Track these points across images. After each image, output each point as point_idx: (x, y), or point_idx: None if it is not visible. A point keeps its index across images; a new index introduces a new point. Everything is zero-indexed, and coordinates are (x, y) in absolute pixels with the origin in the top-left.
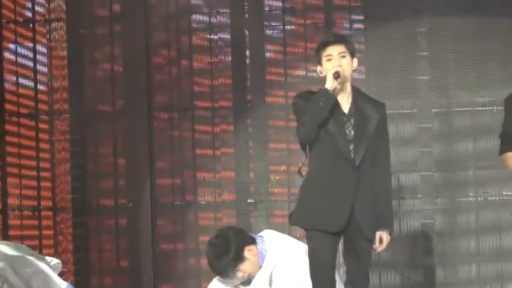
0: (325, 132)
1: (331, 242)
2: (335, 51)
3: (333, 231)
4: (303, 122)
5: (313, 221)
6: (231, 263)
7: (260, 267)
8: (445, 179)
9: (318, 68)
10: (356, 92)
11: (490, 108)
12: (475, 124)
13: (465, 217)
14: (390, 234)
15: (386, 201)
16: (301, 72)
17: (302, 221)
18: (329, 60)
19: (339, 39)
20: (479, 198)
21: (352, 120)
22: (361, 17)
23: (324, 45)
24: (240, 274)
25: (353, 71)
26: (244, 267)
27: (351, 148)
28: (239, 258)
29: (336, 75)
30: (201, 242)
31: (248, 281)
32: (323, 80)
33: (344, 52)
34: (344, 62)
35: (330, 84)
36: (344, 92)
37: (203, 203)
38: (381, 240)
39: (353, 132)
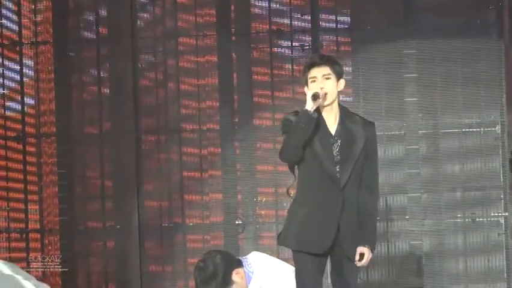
0: (312, 153)
1: (317, 264)
2: (319, 73)
3: (318, 253)
4: (285, 143)
5: (299, 242)
6: (219, 287)
7: None
8: (433, 200)
9: (305, 88)
10: (344, 113)
11: (478, 129)
12: (462, 146)
13: (453, 238)
14: (372, 252)
15: (371, 221)
16: (288, 95)
17: (289, 242)
18: (313, 81)
19: (324, 61)
20: (466, 220)
21: (339, 142)
22: (348, 40)
23: (309, 66)
24: None
25: (340, 92)
26: None
27: (337, 169)
28: (227, 282)
29: (314, 98)
30: (189, 264)
31: None
32: None
33: (328, 74)
34: (328, 83)
35: (309, 105)
36: (331, 113)
37: (191, 225)
38: (361, 256)
39: (339, 154)
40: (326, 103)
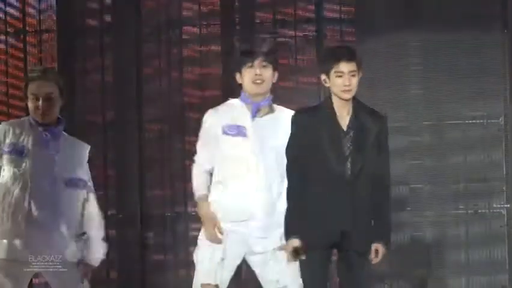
0: (318, 148)
1: (322, 257)
2: (346, 68)
3: (324, 246)
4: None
5: (303, 236)
6: None
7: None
8: (435, 191)
9: (323, 76)
10: (357, 104)
11: (481, 121)
12: (465, 137)
13: (455, 230)
14: (386, 246)
15: (384, 215)
16: (292, 84)
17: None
18: (339, 77)
19: (352, 57)
20: (469, 211)
21: (351, 133)
22: (352, 30)
23: (337, 60)
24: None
25: None
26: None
27: (348, 162)
28: None
29: (295, 254)
30: (191, 253)
31: None
32: (325, 89)
33: (354, 71)
34: (354, 80)
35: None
36: (345, 106)
37: (193, 214)
38: (376, 252)
39: (351, 146)
40: (346, 98)
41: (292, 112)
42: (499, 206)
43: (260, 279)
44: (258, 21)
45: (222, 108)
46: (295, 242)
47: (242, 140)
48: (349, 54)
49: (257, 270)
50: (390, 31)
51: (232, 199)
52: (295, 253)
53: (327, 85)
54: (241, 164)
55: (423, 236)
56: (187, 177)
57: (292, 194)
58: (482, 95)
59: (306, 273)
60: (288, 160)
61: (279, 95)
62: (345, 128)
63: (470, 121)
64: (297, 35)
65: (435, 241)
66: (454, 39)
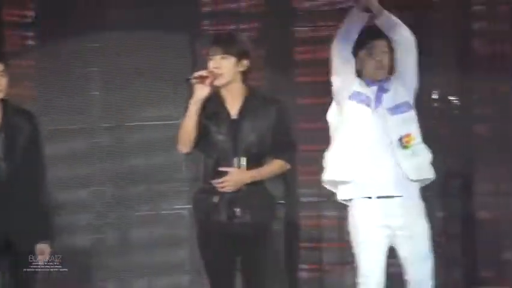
0: None
1: None
2: None
3: None
4: None
5: None
6: None
7: None
8: (118, 193)
9: None
10: (11, 106)
11: (163, 123)
12: (146, 139)
13: (138, 231)
14: (51, 245)
15: (44, 215)
16: None
17: None
18: None
19: None
20: (151, 212)
21: (2, 135)
22: (32, 34)
23: None
24: None
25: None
26: None
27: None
28: None
29: None
30: None
31: None
32: None
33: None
34: (2, 81)
35: None
36: None
37: None
38: (42, 252)
39: (2, 148)
40: None
41: None
42: (180, 207)
43: None
44: None
45: None
46: None
47: None
48: None
49: None
50: (71, 34)
51: None
52: None
53: None
54: None
55: (105, 239)
56: None
57: None
58: (163, 97)
59: None
60: None
61: None
62: None
63: (151, 122)
64: None
65: (117, 243)
66: (137, 41)
